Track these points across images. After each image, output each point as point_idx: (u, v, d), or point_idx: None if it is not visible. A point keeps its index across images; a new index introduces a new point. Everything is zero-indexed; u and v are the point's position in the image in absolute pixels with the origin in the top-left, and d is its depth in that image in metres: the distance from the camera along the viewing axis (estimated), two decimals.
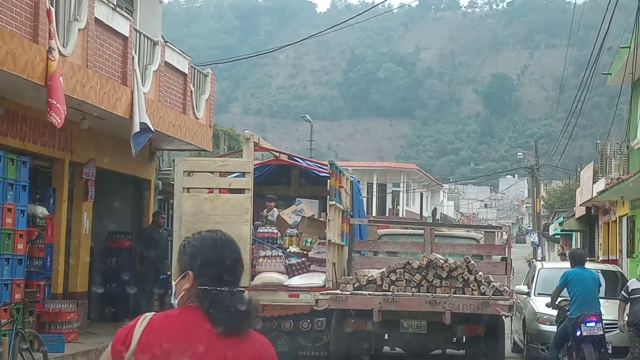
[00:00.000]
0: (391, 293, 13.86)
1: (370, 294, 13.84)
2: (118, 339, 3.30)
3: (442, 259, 14.22)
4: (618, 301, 14.06)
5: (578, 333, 12.69)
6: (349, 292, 13.94)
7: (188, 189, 15.31)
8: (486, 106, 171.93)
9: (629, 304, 13.72)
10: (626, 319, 13.74)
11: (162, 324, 3.29)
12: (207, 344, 3.18)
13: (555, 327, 13.83)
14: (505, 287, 14.01)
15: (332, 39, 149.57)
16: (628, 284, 14.11)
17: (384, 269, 14.29)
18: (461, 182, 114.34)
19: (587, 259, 34.49)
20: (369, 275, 14.33)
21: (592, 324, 12.69)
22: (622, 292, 13.92)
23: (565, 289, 13.22)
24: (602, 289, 14.82)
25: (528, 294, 16.83)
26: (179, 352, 3.17)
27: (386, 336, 14.84)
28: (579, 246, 43.61)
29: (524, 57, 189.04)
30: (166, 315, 3.34)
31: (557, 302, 13.61)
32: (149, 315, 3.37)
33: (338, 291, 14.13)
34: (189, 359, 3.16)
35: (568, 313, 13.12)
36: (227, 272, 3.29)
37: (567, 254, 17.87)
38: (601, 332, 12.87)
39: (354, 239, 16.70)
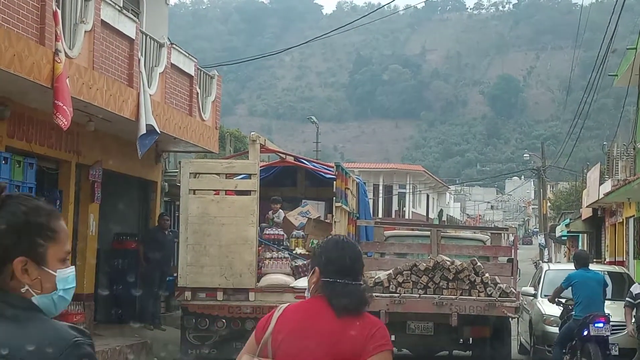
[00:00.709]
0: (398, 295, 13.93)
1: (377, 296, 13.86)
2: (259, 325, 3.98)
3: (448, 260, 14.25)
4: (624, 303, 14.05)
5: (585, 333, 12.72)
6: None
7: (194, 190, 15.32)
8: (492, 108, 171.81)
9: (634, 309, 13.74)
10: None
11: (294, 311, 3.98)
12: (328, 325, 3.81)
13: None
14: (511, 288, 14.00)
15: (338, 40, 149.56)
16: (632, 289, 14.10)
17: (390, 271, 14.37)
18: (467, 184, 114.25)
19: (594, 260, 34.46)
20: (376, 277, 14.41)
21: (601, 325, 12.74)
22: (627, 297, 13.93)
23: (570, 290, 13.26)
24: (609, 290, 14.86)
25: (535, 295, 16.80)
26: (306, 331, 3.82)
27: (393, 337, 14.84)
28: (585, 248, 43.55)
29: (530, 58, 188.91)
30: (298, 304, 4.10)
31: (559, 300, 13.71)
32: (284, 305, 4.06)
33: None
34: (313, 337, 3.79)
35: (573, 314, 13.17)
36: (346, 267, 3.94)
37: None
38: (608, 333, 12.90)
39: (360, 240, 16.69)
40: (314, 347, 3.78)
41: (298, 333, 3.84)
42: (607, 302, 13.63)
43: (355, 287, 3.92)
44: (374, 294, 13.92)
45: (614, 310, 14.31)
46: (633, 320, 13.72)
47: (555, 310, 14.59)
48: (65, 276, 2.52)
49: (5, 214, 2.45)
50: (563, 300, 13.88)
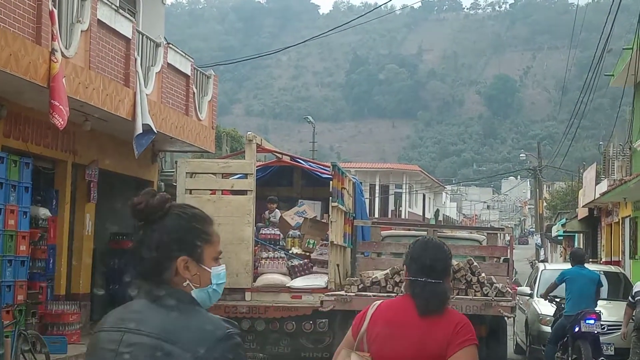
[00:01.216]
0: (395, 294, 13.81)
1: (374, 295, 13.88)
2: (355, 321, 4.35)
3: None
4: (620, 302, 14.07)
5: (577, 329, 12.84)
6: (353, 294, 14.07)
7: (190, 190, 15.32)
8: (489, 107, 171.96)
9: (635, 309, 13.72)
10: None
11: (386, 308, 4.31)
12: (416, 323, 4.12)
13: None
14: (507, 288, 14.04)
15: (334, 40, 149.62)
16: (634, 287, 14.07)
17: (387, 271, 14.42)
18: (464, 184, 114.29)
19: (590, 260, 34.47)
20: (373, 276, 14.43)
21: (592, 322, 12.86)
22: (629, 297, 13.89)
23: (564, 286, 13.44)
24: (605, 290, 14.98)
25: (531, 295, 16.82)
26: (397, 329, 4.15)
27: None
28: (581, 247, 43.61)
29: (526, 58, 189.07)
30: (390, 302, 4.43)
31: (552, 297, 13.91)
32: (377, 302, 4.39)
33: (343, 292, 14.25)
34: (403, 334, 4.13)
35: (564, 311, 13.32)
36: (426, 266, 4.24)
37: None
38: (599, 330, 12.96)
39: (357, 240, 16.70)
40: (404, 344, 4.12)
41: (390, 330, 4.18)
42: (603, 302, 13.68)
43: (435, 285, 4.19)
44: (371, 294, 14.06)
45: (610, 309, 14.33)
46: (631, 321, 13.68)
47: (551, 310, 14.64)
48: (218, 272, 3.01)
49: (171, 220, 2.98)
50: (557, 299, 13.99)
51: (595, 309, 13.23)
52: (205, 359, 2.77)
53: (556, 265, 22.68)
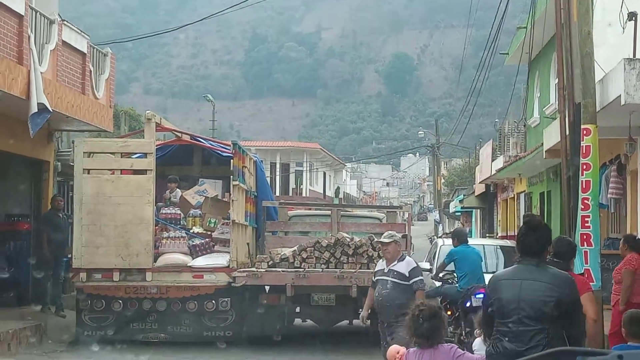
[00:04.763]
0: (302, 269, 14.83)
1: (283, 271, 14.79)
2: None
3: (348, 237, 15.27)
4: None
5: (468, 304, 13.34)
6: (264, 270, 14.83)
7: (89, 170, 15.08)
8: (387, 86, 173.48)
9: None
10: None
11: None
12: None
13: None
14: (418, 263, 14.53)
15: (233, 18, 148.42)
16: None
17: (295, 248, 15.19)
18: (363, 161, 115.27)
19: (487, 235, 35.20)
20: (282, 253, 15.15)
21: (481, 296, 13.33)
22: None
23: (453, 264, 14.15)
24: (501, 263, 15.95)
25: (430, 270, 17.11)
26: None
27: (298, 309, 15.79)
28: (478, 223, 44.56)
29: (424, 37, 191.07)
30: None
31: (441, 275, 14.58)
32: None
33: (254, 269, 14.93)
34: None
35: (457, 287, 13.89)
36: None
37: (450, 234, 18.93)
38: None
39: (265, 220, 16.91)
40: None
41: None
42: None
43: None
44: (280, 270, 14.73)
45: None
46: None
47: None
48: None
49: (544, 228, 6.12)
50: (441, 275, 14.65)
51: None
52: (567, 295, 5.81)
53: None
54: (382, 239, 10.64)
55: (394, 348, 6.60)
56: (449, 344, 6.21)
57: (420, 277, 10.50)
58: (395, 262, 10.41)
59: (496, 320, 5.89)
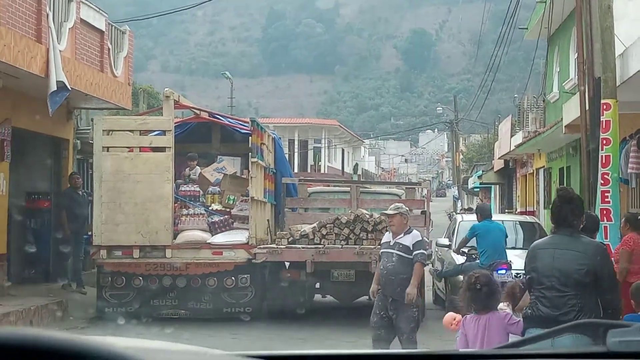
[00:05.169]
0: (322, 246, 14.87)
1: (303, 247, 14.83)
2: None
3: (367, 213, 15.28)
4: None
5: None
6: (284, 246, 14.89)
7: (108, 148, 15.14)
8: (405, 62, 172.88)
9: None
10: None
11: None
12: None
13: None
14: (424, 237, 14.46)
15: None
16: None
17: (315, 224, 15.22)
18: (382, 138, 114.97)
19: (506, 210, 35.08)
20: (302, 230, 15.19)
21: (503, 272, 13.48)
22: None
23: (475, 240, 14.11)
24: (520, 239, 15.77)
25: (449, 246, 17.09)
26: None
27: (318, 285, 15.86)
28: (497, 198, 44.44)
29: (442, 12, 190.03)
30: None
31: (465, 251, 14.62)
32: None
33: (274, 245, 15.01)
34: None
35: (478, 262, 13.84)
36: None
37: (474, 209, 18.92)
38: (511, 279, 13.40)
39: (284, 196, 16.95)
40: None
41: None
42: (519, 251, 14.14)
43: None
44: (300, 246, 14.83)
45: (522, 259, 14.74)
46: None
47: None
48: None
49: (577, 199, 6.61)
50: (466, 250, 14.65)
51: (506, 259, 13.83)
52: (598, 263, 6.23)
53: (474, 217, 23.07)
54: (387, 211, 10.55)
55: (449, 315, 7.13)
56: (503, 310, 6.66)
57: (422, 250, 10.24)
58: (402, 235, 10.22)
59: (533, 286, 6.37)
